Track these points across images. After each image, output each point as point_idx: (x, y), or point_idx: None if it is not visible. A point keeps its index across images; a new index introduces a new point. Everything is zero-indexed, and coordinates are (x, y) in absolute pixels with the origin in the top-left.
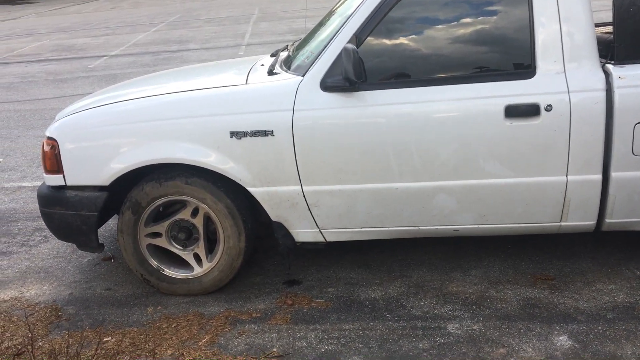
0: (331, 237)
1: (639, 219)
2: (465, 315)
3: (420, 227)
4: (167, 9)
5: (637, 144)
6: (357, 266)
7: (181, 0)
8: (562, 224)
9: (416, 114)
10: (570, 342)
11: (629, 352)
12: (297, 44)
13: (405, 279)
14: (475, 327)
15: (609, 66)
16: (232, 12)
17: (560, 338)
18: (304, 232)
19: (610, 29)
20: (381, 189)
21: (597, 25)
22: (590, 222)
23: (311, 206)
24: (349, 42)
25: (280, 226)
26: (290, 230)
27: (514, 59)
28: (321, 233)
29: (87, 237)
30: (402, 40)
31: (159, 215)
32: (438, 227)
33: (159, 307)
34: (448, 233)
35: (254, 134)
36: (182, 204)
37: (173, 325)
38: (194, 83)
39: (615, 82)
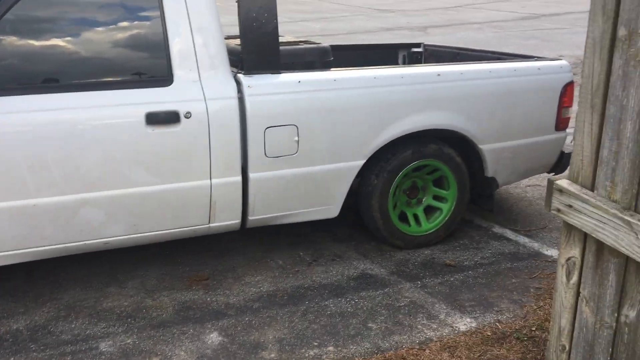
0: None
1: (276, 214)
2: (120, 330)
3: (67, 245)
4: None
5: (269, 146)
6: None
7: None
8: (211, 225)
9: (53, 123)
10: (220, 338)
11: (270, 337)
12: None
13: (55, 302)
14: (129, 341)
15: (240, 76)
16: None
17: (211, 336)
18: None
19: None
20: (15, 207)
21: (229, 37)
22: (235, 221)
23: None
24: None
25: None
26: None
27: (152, 66)
28: None
29: None
30: (34, 41)
31: None
32: (87, 241)
33: None
34: (99, 247)
35: None
36: None
37: None
38: None
39: (246, 91)
